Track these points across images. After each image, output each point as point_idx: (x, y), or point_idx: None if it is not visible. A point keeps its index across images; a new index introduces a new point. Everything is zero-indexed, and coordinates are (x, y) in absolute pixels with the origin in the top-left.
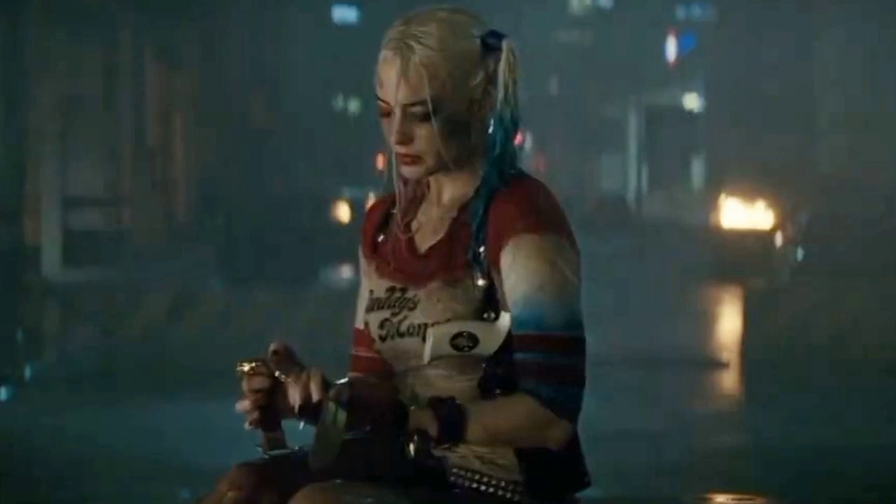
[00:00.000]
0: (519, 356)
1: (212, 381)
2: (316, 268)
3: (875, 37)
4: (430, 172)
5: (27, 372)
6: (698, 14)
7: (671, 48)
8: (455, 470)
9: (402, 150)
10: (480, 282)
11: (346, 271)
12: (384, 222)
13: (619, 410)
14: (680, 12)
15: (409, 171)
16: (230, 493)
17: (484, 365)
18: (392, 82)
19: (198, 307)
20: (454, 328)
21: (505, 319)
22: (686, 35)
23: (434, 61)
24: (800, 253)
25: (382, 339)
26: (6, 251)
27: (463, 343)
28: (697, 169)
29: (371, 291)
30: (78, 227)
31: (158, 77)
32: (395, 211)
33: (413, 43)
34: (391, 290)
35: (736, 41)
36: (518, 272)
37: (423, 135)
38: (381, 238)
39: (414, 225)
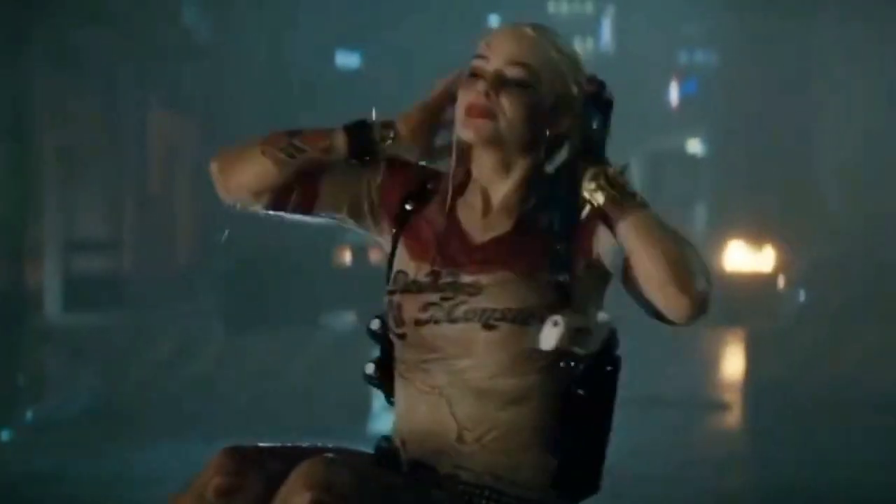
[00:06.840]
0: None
1: (214, 426)
2: (318, 313)
3: (879, 81)
4: (494, 139)
5: (28, 415)
6: (701, 59)
7: (673, 93)
8: (461, 487)
9: (481, 101)
10: (561, 278)
11: (348, 316)
12: (416, 192)
13: (619, 451)
14: (682, 57)
15: (477, 124)
16: (216, 479)
17: (562, 364)
18: (506, 41)
19: (200, 352)
20: (579, 322)
21: (603, 318)
22: (688, 80)
23: (552, 52)
24: (802, 295)
25: (420, 322)
26: (8, 294)
27: (580, 338)
28: (700, 212)
29: (403, 272)
30: (80, 271)
31: (161, 122)
32: (430, 187)
33: (543, 30)
34: (435, 274)
35: (738, 86)
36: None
37: (506, 97)
38: (408, 207)
39: (460, 214)
